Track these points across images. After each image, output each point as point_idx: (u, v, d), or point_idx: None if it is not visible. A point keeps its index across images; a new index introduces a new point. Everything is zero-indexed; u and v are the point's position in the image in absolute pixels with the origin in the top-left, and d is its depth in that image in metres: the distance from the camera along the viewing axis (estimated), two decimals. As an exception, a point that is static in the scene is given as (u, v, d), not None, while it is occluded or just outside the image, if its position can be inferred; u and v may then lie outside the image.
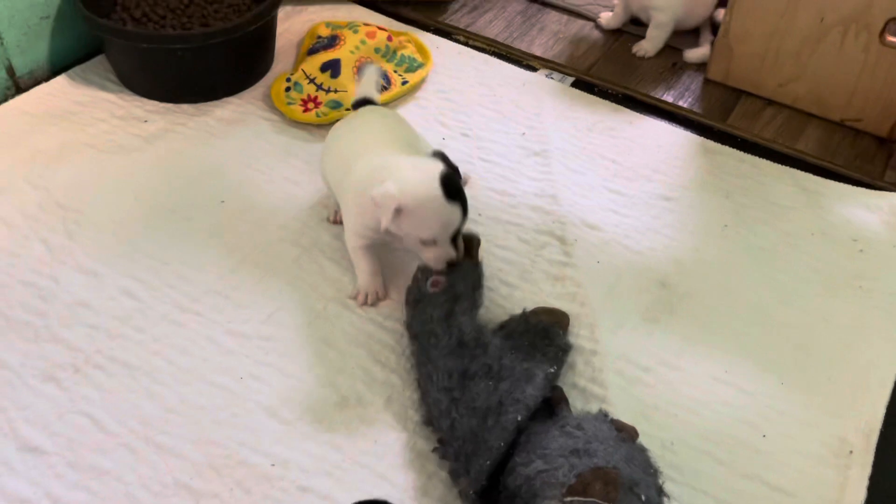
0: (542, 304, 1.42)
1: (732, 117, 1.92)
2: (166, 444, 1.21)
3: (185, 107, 1.86)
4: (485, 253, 1.53)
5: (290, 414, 1.27)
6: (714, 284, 1.52)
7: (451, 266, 1.34)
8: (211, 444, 1.22)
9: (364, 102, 1.58)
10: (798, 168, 1.80)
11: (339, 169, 1.45)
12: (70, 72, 1.92)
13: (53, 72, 1.93)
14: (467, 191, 1.37)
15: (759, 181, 1.76)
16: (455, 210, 1.30)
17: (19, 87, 1.88)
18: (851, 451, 1.26)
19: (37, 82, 1.90)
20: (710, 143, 1.85)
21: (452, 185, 1.28)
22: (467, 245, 1.41)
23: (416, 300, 1.35)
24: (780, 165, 1.80)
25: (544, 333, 1.32)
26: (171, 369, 1.32)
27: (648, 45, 2.07)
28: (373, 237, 1.39)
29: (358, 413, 1.28)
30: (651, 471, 1.11)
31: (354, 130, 1.49)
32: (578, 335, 1.41)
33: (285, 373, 1.33)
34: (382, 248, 1.47)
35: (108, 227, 1.55)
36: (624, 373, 1.36)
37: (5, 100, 1.84)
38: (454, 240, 1.35)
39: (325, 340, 1.38)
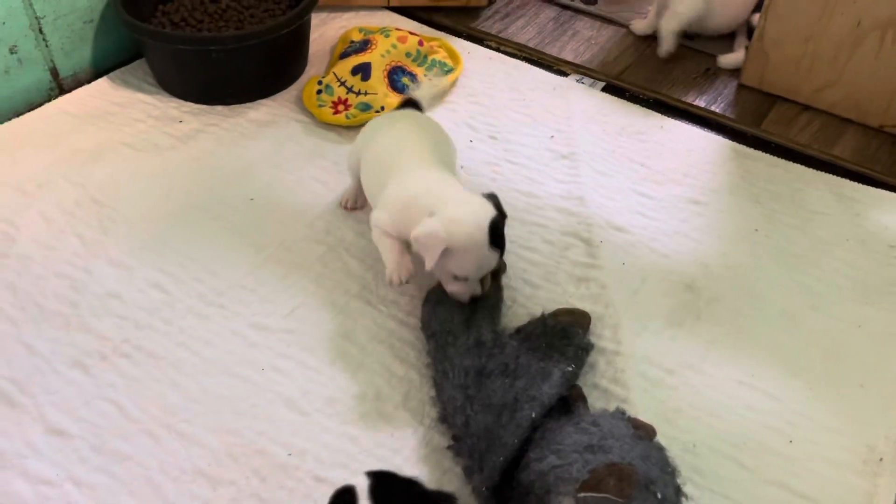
0: (565, 305, 1.41)
1: (766, 122, 1.89)
2: (187, 432, 1.24)
3: (219, 108, 1.90)
4: (509, 254, 1.53)
5: (309, 406, 1.28)
6: (742, 289, 1.50)
7: (474, 300, 1.33)
8: (230, 433, 1.24)
9: (409, 104, 1.62)
10: (833, 174, 1.76)
11: (374, 170, 1.46)
12: (111, 74, 1.98)
13: (96, 74, 2.00)
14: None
15: (792, 186, 1.73)
16: (494, 256, 1.28)
17: (63, 88, 1.94)
18: (881, 459, 1.22)
19: (79, 84, 1.96)
20: (743, 148, 1.83)
21: (498, 232, 1.28)
22: (493, 272, 1.38)
23: (438, 301, 1.36)
24: (814, 171, 1.77)
25: (563, 334, 1.31)
26: (194, 360, 1.34)
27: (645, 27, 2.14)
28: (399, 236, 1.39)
29: (376, 407, 1.28)
30: (669, 469, 1.09)
31: (396, 134, 1.48)
32: (601, 336, 1.40)
33: (306, 365, 1.34)
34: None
35: (140, 223, 1.59)
36: (646, 374, 1.34)
37: (49, 100, 1.90)
38: (483, 277, 1.34)
39: (346, 336, 1.39)
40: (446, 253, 1.25)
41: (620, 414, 1.15)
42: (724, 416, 1.29)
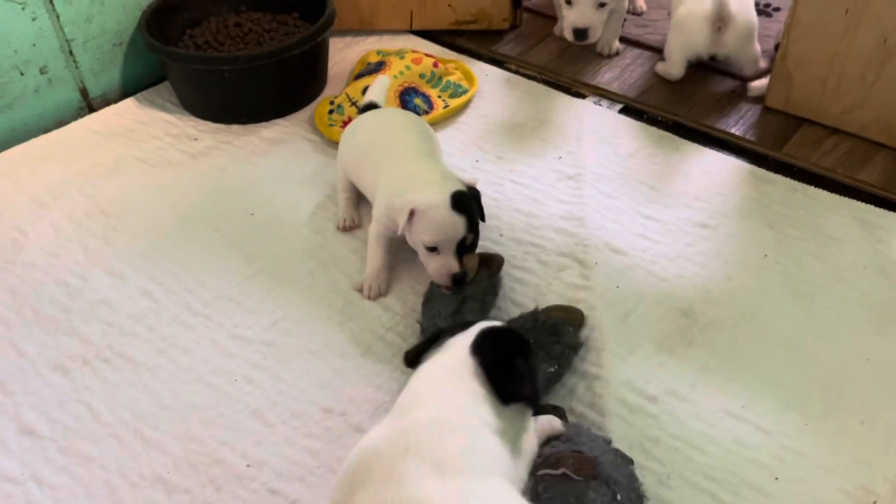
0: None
1: (789, 146, 1.80)
2: (152, 438, 1.24)
3: (234, 127, 1.95)
4: (502, 273, 1.50)
5: (275, 417, 1.27)
6: (742, 315, 1.42)
7: (458, 283, 1.36)
8: (193, 441, 1.24)
9: (371, 107, 1.69)
10: (858, 199, 1.66)
11: (365, 167, 1.55)
12: (138, 95, 2.06)
13: (125, 94, 2.08)
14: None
15: (810, 211, 1.63)
16: (458, 221, 1.35)
17: (92, 107, 2.03)
18: (875, 502, 1.12)
19: (108, 103, 2.05)
20: (760, 171, 1.74)
21: (462, 200, 1.37)
22: (487, 262, 1.44)
23: (428, 298, 1.40)
24: (836, 196, 1.67)
25: (553, 330, 1.30)
26: (171, 367, 1.36)
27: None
28: (391, 234, 1.47)
29: (342, 422, 1.26)
30: (636, 485, 1.04)
31: (380, 130, 1.57)
32: (584, 359, 1.34)
33: (278, 378, 1.34)
34: (400, 247, 1.51)
35: (142, 233, 1.63)
36: (626, 401, 1.27)
37: (77, 118, 1.99)
38: (460, 256, 1.36)
39: (322, 350, 1.38)
40: (414, 219, 1.35)
41: (604, 439, 1.12)
42: (707, 449, 1.21)
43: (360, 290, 1.47)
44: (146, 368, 1.36)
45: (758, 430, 1.23)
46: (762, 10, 2.26)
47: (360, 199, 1.66)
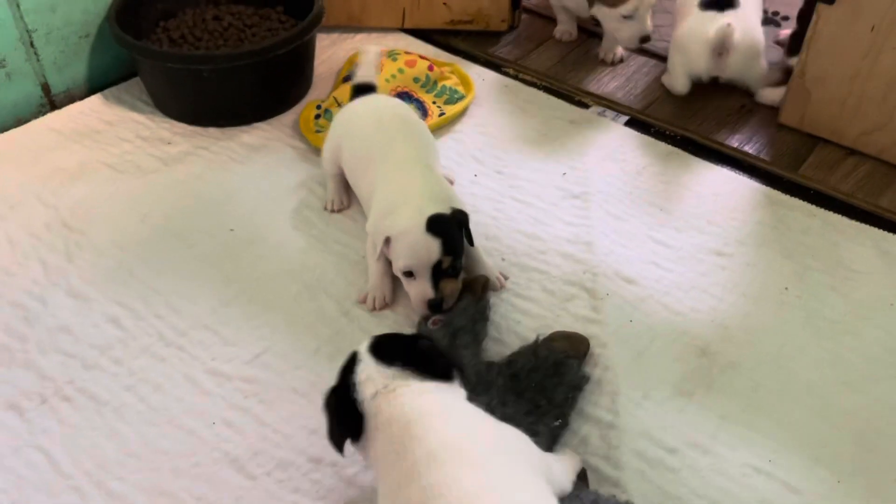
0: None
1: (806, 167, 1.71)
2: (118, 492, 1.12)
3: (212, 130, 1.81)
4: (503, 302, 1.40)
5: (258, 468, 1.15)
6: (764, 357, 1.32)
7: (436, 308, 1.31)
8: (165, 496, 1.11)
9: (365, 88, 1.61)
10: (879, 227, 1.57)
11: (361, 178, 1.49)
12: (105, 91, 1.91)
13: (91, 91, 1.93)
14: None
15: (830, 240, 1.54)
16: (432, 244, 1.30)
17: (54, 104, 1.88)
18: (918, 577, 1.04)
19: (72, 100, 1.89)
20: (777, 195, 1.65)
21: (439, 223, 1.31)
22: (472, 284, 1.36)
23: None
24: (857, 223, 1.58)
25: (555, 369, 1.21)
26: (140, 407, 1.23)
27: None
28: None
29: (332, 474, 1.15)
30: None
31: (377, 136, 1.48)
32: (597, 404, 1.24)
33: (261, 421, 1.21)
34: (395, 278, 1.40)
35: (108, 249, 1.49)
36: (644, 453, 1.17)
37: (39, 116, 1.83)
38: (437, 281, 1.31)
39: (309, 389, 1.26)
40: (390, 243, 1.32)
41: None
42: (733, 510, 1.11)
43: (364, 303, 1.39)
44: (112, 408, 1.22)
45: (786, 488, 1.14)
46: (770, 20, 2.17)
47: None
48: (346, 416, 0.95)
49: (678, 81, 1.89)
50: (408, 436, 0.88)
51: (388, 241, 1.32)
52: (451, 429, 0.90)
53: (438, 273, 1.31)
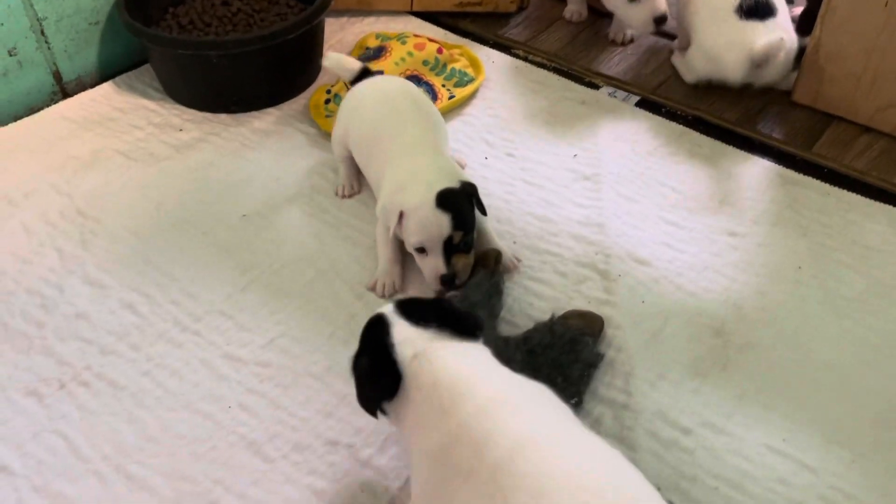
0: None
1: (819, 145, 1.69)
2: (138, 476, 1.12)
3: (223, 117, 1.80)
4: (516, 285, 1.40)
5: (275, 451, 1.16)
6: (780, 336, 1.31)
7: (449, 284, 1.32)
8: (184, 480, 1.12)
9: (362, 74, 1.60)
10: (895, 205, 1.56)
11: (370, 163, 1.48)
12: (116, 79, 1.91)
13: (102, 78, 1.93)
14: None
15: (846, 219, 1.53)
16: (443, 219, 1.30)
17: (66, 92, 1.88)
18: (935, 555, 1.03)
19: (83, 88, 1.89)
20: (791, 174, 1.64)
21: (449, 197, 1.31)
22: (484, 259, 1.37)
23: None
24: (873, 201, 1.57)
25: (571, 346, 1.21)
26: (158, 392, 1.23)
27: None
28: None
29: (348, 456, 1.15)
30: None
31: (387, 119, 1.47)
32: (610, 385, 1.24)
33: (277, 405, 1.22)
34: (407, 256, 1.41)
35: (123, 237, 1.50)
36: (659, 434, 1.17)
37: (51, 104, 1.84)
38: (449, 256, 1.31)
39: (325, 373, 1.26)
40: (403, 221, 1.32)
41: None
42: (749, 489, 1.11)
43: (373, 289, 1.39)
44: (130, 393, 1.23)
45: (802, 468, 1.14)
46: (783, -3, 2.13)
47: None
48: (382, 378, 0.94)
49: (692, 77, 1.85)
50: (455, 394, 0.88)
51: (401, 216, 1.32)
52: (495, 384, 0.90)
53: (450, 248, 1.31)
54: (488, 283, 1.32)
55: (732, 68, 1.74)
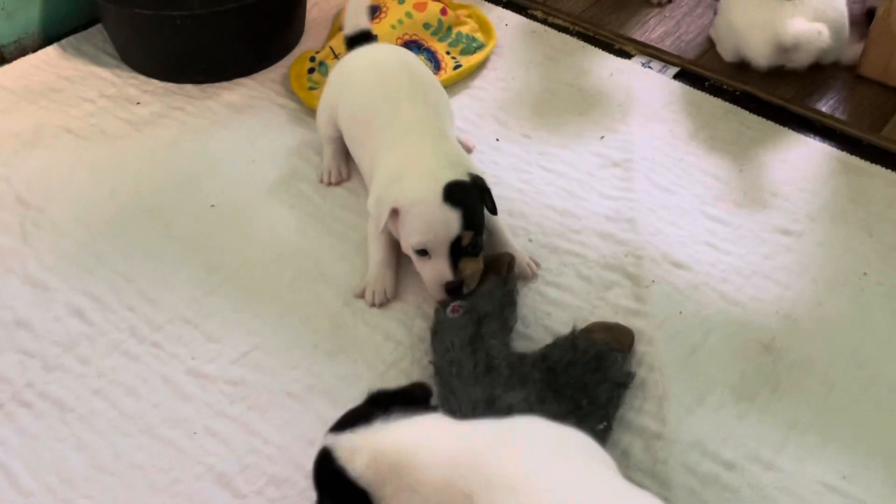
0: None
1: (889, 128, 1.70)
2: (87, 513, 1.13)
3: (188, 88, 1.82)
4: (530, 291, 1.41)
5: (247, 485, 1.17)
6: (840, 353, 1.33)
7: (455, 292, 1.32)
8: (140, 518, 1.13)
9: (361, 37, 1.61)
10: (978, 200, 1.57)
11: (362, 146, 1.49)
12: (63, 41, 1.93)
13: (46, 41, 1.94)
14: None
15: (919, 215, 1.54)
16: (451, 217, 1.29)
17: (4, 57, 1.89)
18: None
19: (24, 53, 1.90)
20: (855, 161, 1.65)
21: (458, 192, 1.30)
22: (495, 264, 1.37)
23: (435, 331, 1.31)
24: (951, 195, 1.58)
25: (597, 364, 1.22)
26: (110, 414, 1.25)
27: None
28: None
29: (333, 492, 1.16)
30: None
31: (381, 94, 1.47)
32: (641, 410, 1.25)
33: (250, 430, 1.23)
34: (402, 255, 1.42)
35: (72, 229, 1.51)
36: (697, 469, 1.18)
37: (-16, 72, 1.85)
38: (455, 260, 1.31)
39: (306, 393, 1.27)
40: (398, 218, 1.31)
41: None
42: (801, 535, 1.12)
43: (362, 297, 1.39)
44: (78, 415, 1.25)
45: (864, 510, 1.14)
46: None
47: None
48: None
49: (727, 55, 1.86)
50: (414, 470, 0.93)
51: (395, 213, 1.31)
52: (447, 449, 0.94)
53: (457, 251, 1.31)
54: (501, 292, 1.32)
55: (757, 51, 1.77)
